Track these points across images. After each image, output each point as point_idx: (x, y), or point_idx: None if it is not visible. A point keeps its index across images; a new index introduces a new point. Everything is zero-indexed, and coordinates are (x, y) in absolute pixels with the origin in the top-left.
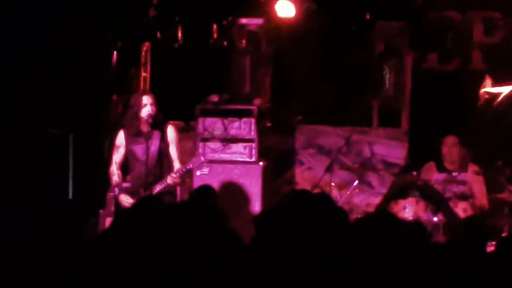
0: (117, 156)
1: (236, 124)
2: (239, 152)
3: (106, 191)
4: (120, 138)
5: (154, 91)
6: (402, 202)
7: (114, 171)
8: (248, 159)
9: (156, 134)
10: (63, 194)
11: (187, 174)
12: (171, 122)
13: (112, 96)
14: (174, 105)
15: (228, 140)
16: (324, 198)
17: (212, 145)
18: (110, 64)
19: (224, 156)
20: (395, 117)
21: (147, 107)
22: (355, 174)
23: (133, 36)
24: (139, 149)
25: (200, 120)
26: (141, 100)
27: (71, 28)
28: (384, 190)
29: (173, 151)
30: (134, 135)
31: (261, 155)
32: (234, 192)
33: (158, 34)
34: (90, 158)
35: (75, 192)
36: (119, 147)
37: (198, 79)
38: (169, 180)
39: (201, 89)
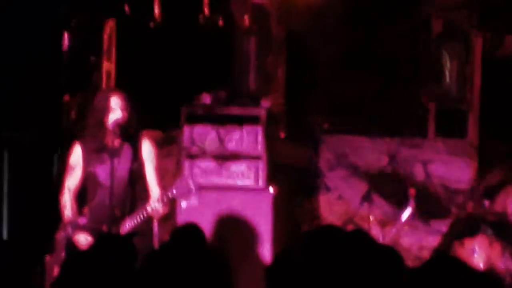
0: (71, 180)
1: (237, 134)
2: (241, 174)
3: (55, 227)
4: (76, 155)
5: (121, 87)
6: (469, 244)
7: (67, 201)
8: (253, 184)
9: (127, 150)
10: None
11: (168, 205)
12: (146, 132)
13: (62, 96)
14: (149, 107)
15: (225, 158)
16: (364, 238)
17: (203, 164)
18: (59, 51)
19: (220, 180)
20: (459, 124)
21: (115, 112)
22: (403, 205)
23: (92, 10)
24: (101, 171)
25: (186, 129)
26: (108, 102)
27: None
28: (444, 227)
29: (150, 172)
30: (95, 151)
31: (272, 178)
32: (235, 231)
33: (126, 7)
34: (33, 181)
35: (11, 230)
36: (73, 168)
37: (183, 72)
38: (150, 209)
39: (187, 86)
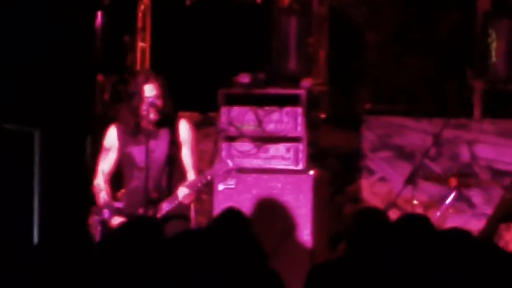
0: (106, 163)
1: (276, 115)
2: (280, 156)
3: (87, 212)
4: (111, 137)
5: (156, 68)
6: None
7: (101, 184)
8: (293, 167)
9: (164, 133)
10: (25, 221)
11: (205, 189)
12: (184, 115)
13: (96, 77)
14: (186, 88)
15: (264, 139)
16: (418, 221)
17: (240, 146)
18: (92, 30)
19: (259, 163)
20: (508, 104)
21: (151, 98)
22: (448, 188)
23: None
24: (138, 153)
25: (224, 110)
26: (143, 89)
27: None
28: (490, 210)
29: (186, 155)
30: (131, 134)
31: (313, 160)
32: (273, 214)
33: None
34: (65, 164)
35: (43, 217)
36: (108, 150)
37: (220, 52)
38: (181, 196)
39: (224, 66)
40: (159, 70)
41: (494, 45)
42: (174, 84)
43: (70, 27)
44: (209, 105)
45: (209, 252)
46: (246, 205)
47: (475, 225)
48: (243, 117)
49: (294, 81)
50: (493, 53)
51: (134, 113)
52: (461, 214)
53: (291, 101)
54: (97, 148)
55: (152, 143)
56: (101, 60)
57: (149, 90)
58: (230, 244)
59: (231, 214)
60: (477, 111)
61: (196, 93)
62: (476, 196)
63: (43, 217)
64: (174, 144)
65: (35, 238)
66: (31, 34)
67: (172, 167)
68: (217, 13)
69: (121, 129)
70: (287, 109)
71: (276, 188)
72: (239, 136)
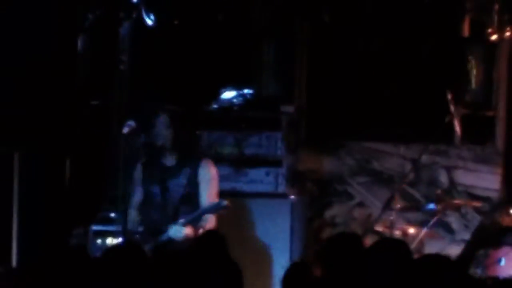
0: (134, 197)
1: (255, 139)
2: (260, 180)
3: (67, 234)
4: (137, 173)
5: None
6: (494, 254)
7: (131, 215)
8: (272, 190)
9: (184, 172)
10: (4, 243)
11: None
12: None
13: (76, 100)
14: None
15: (243, 163)
16: (395, 246)
17: (220, 169)
18: (73, 53)
19: (238, 186)
20: (485, 130)
21: (162, 130)
22: (426, 213)
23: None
24: (157, 190)
25: (203, 133)
26: (156, 120)
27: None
28: (468, 236)
29: (202, 196)
30: (153, 170)
31: (292, 184)
32: (252, 238)
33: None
34: (45, 188)
35: (22, 238)
36: (135, 185)
37: (199, 75)
38: (172, 232)
39: (203, 89)
40: (139, 92)
41: (473, 71)
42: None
43: (51, 50)
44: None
45: (187, 273)
46: (224, 228)
47: (454, 251)
48: (222, 140)
49: (274, 105)
50: (472, 79)
51: (151, 148)
52: (439, 239)
53: (271, 124)
54: (76, 170)
55: (171, 181)
56: (82, 83)
57: (160, 121)
58: (208, 265)
59: (210, 236)
60: (456, 137)
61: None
62: (454, 221)
63: (22, 238)
64: (193, 184)
65: (13, 260)
66: (13, 57)
67: (189, 203)
68: (198, 37)
69: (145, 166)
70: (267, 133)
71: (256, 212)
72: (219, 160)
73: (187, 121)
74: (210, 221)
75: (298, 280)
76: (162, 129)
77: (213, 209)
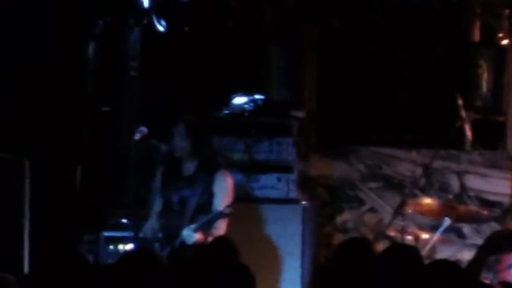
0: (155, 204)
1: (266, 145)
2: (271, 186)
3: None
4: (157, 182)
5: (146, 94)
6: (506, 259)
7: (152, 222)
8: (283, 196)
9: (201, 180)
10: (16, 249)
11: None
12: (224, 168)
13: (86, 106)
14: (173, 116)
15: (254, 169)
16: (406, 252)
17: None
18: (83, 59)
19: (249, 192)
20: (496, 135)
21: (178, 140)
22: (438, 218)
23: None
24: (175, 198)
25: (214, 139)
26: (173, 130)
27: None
28: (480, 241)
29: (216, 205)
30: (172, 179)
31: (303, 189)
32: (263, 243)
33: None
34: (55, 194)
35: (33, 245)
36: (156, 193)
37: (209, 81)
38: (184, 237)
39: (214, 94)
40: (148, 97)
41: (484, 76)
42: (162, 111)
43: (62, 57)
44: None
45: (199, 280)
46: (236, 234)
47: (465, 256)
48: (233, 146)
49: (284, 110)
50: (483, 84)
51: (170, 158)
52: (451, 244)
53: (282, 130)
54: (87, 176)
55: (187, 190)
56: (93, 89)
57: (177, 130)
58: (219, 272)
59: (221, 243)
60: (467, 142)
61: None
62: (465, 226)
63: (33, 245)
64: (208, 193)
65: (25, 266)
66: (23, 63)
67: (204, 213)
68: (207, 41)
69: (164, 174)
70: (278, 138)
71: (267, 217)
72: (230, 165)
73: (204, 129)
74: (220, 228)
75: (355, 256)
76: (180, 140)
77: (216, 216)
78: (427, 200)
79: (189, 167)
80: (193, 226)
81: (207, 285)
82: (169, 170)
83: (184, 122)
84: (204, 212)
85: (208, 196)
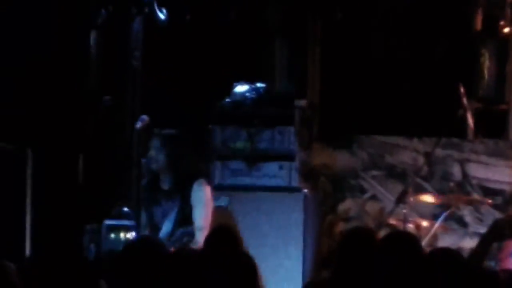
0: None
1: (268, 134)
2: (273, 174)
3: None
4: (146, 192)
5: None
6: (508, 247)
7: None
8: (285, 184)
9: (180, 194)
10: (18, 239)
11: None
12: (201, 178)
13: (89, 96)
14: (176, 107)
15: (256, 158)
16: (405, 240)
17: (233, 164)
18: (85, 49)
19: (251, 181)
20: (499, 124)
21: (155, 155)
22: (440, 206)
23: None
24: (156, 213)
25: (216, 129)
26: (150, 143)
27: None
28: (482, 229)
29: (195, 218)
30: (155, 193)
31: (305, 178)
32: (265, 232)
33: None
34: (58, 184)
35: (35, 235)
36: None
37: (212, 72)
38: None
39: (216, 84)
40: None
41: (486, 64)
42: (165, 102)
43: (64, 47)
44: (200, 124)
45: (202, 269)
46: (238, 223)
47: (467, 244)
48: (236, 136)
49: (287, 101)
50: (485, 73)
51: (149, 170)
52: (452, 233)
53: (284, 120)
54: (90, 166)
55: (168, 203)
56: (95, 79)
57: (153, 148)
58: (222, 261)
59: (223, 231)
60: (469, 130)
61: (187, 112)
62: (467, 215)
63: (35, 235)
64: (188, 206)
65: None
66: (25, 53)
67: (185, 228)
68: (210, 33)
69: (145, 187)
70: (280, 128)
71: (269, 206)
72: (232, 155)
73: (181, 144)
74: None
75: (359, 245)
76: (155, 153)
77: (182, 236)
78: (427, 197)
79: (166, 181)
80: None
81: (209, 274)
82: (150, 183)
83: (159, 136)
84: (184, 226)
85: (188, 209)
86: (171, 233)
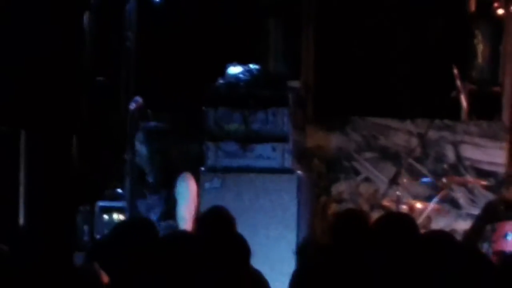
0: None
1: (262, 115)
2: (266, 155)
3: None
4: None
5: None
6: (501, 228)
7: None
8: (279, 166)
9: (164, 187)
10: (11, 222)
11: None
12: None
13: (83, 78)
14: (169, 88)
15: (249, 139)
16: (402, 221)
17: (226, 146)
18: (79, 31)
19: (244, 162)
20: (492, 106)
21: (139, 148)
22: (433, 188)
23: None
24: (141, 207)
25: (209, 110)
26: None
27: None
28: (475, 211)
29: (179, 211)
30: (136, 185)
31: (299, 160)
32: (258, 213)
33: None
34: (51, 166)
35: (29, 217)
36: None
37: (205, 52)
38: None
39: (210, 65)
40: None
41: (480, 46)
42: (158, 84)
43: (57, 28)
44: (193, 106)
45: (196, 250)
46: (231, 205)
47: (461, 226)
48: (229, 118)
49: (280, 82)
50: (479, 55)
51: (134, 164)
52: (446, 215)
53: (278, 101)
54: (83, 147)
55: (152, 197)
56: (88, 60)
57: (136, 140)
58: (215, 242)
59: (216, 213)
60: (463, 112)
61: (180, 94)
62: (461, 197)
63: (29, 217)
64: (172, 199)
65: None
66: (18, 36)
67: (170, 220)
68: (205, 13)
69: (131, 180)
70: (274, 109)
71: (262, 187)
72: (225, 137)
73: (165, 138)
74: None
75: (352, 228)
76: (139, 147)
77: (166, 230)
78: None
79: (151, 174)
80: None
81: (202, 255)
82: (135, 176)
83: (143, 129)
84: (170, 219)
85: (172, 202)
86: None
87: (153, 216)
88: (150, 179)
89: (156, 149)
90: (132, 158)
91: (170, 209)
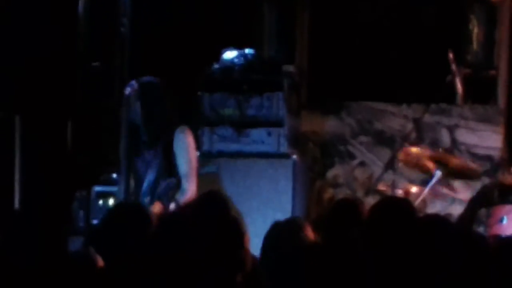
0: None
1: (256, 100)
2: (261, 140)
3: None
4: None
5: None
6: (497, 212)
7: None
8: (274, 151)
9: (161, 143)
10: (7, 208)
11: None
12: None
13: (77, 62)
14: (164, 73)
15: (244, 124)
16: (397, 206)
17: (221, 131)
18: (73, 15)
19: (239, 147)
20: (487, 90)
21: (131, 109)
22: (429, 172)
23: None
24: (138, 164)
25: (204, 96)
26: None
27: None
28: (470, 195)
29: (179, 165)
30: (136, 145)
31: (294, 144)
32: (253, 198)
33: None
34: (47, 151)
35: (24, 203)
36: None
37: (200, 38)
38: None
39: (204, 51)
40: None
41: (475, 30)
42: (152, 68)
43: (51, 14)
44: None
45: (188, 233)
46: (227, 189)
47: (456, 210)
48: (224, 103)
49: (275, 67)
50: (474, 39)
51: (129, 120)
52: (441, 199)
53: (272, 86)
54: (78, 132)
55: (148, 154)
56: (83, 45)
57: (129, 97)
58: (210, 226)
59: (212, 197)
60: (458, 96)
61: (176, 78)
62: (456, 181)
63: (24, 202)
64: (170, 155)
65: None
66: (11, 22)
67: (169, 176)
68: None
69: (126, 138)
70: (268, 94)
71: (257, 172)
72: (220, 122)
73: (160, 93)
74: (189, 191)
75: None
76: (133, 102)
77: (166, 189)
78: (416, 149)
79: (145, 131)
80: (147, 199)
81: (197, 239)
82: (131, 134)
83: (138, 82)
84: (168, 177)
85: (170, 157)
86: (154, 183)
87: (152, 173)
88: (144, 137)
89: (150, 102)
90: (126, 116)
91: (168, 165)
